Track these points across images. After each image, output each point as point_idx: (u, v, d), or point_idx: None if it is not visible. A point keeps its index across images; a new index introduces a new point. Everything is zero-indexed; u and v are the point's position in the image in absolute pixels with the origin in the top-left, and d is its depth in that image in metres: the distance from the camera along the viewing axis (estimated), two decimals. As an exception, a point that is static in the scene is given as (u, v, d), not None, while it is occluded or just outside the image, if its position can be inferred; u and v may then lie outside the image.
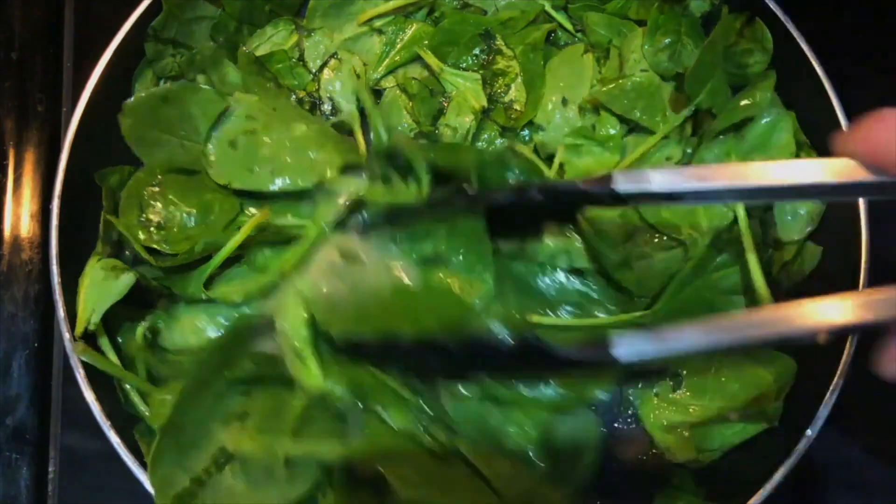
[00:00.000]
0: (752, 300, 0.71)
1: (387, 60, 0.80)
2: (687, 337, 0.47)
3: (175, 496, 0.62)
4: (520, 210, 0.62)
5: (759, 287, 0.69)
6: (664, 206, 0.72)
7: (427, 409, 0.67)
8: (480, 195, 0.64)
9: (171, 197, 0.72)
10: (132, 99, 0.73)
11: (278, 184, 0.72)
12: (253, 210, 0.73)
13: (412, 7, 0.82)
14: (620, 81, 0.76)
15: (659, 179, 0.50)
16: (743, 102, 0.74)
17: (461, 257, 0.68)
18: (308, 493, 0.66)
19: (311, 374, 0.65)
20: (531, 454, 0.68)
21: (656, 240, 0.74)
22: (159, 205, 0.71)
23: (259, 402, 0.67)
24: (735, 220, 0.70)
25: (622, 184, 0.51)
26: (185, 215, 0.71)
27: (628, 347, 0.48)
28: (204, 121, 0.74)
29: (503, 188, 0.67)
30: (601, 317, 0.70)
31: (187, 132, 0.75)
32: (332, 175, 0.72)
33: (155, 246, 0.69)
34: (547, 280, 0.72)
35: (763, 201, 0.71)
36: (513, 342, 0.56)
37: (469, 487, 0.66)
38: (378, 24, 0.81)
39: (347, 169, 0.73)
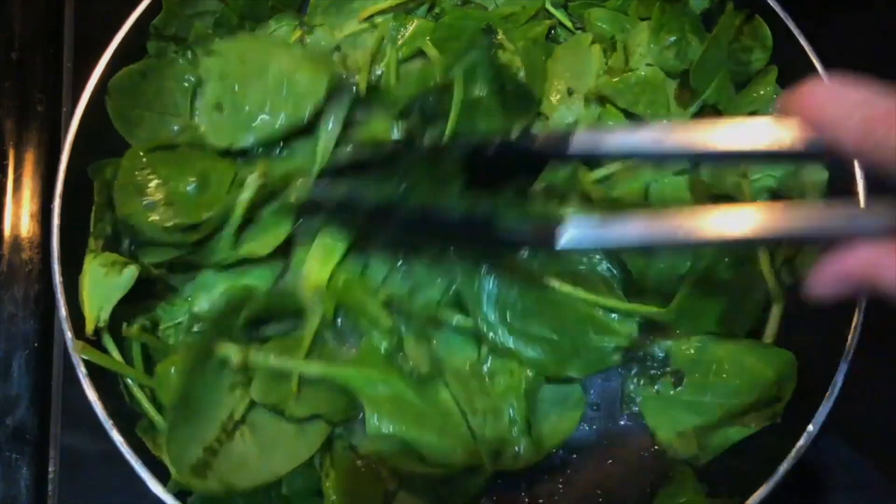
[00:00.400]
0: (764, 298, 0.71)
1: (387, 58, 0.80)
2: (631, 229, 0.48)
3: (191, 468, 0.63)
4: (484, 164, 0.61)
5: (770, 285, 0.70)
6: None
7: (410, 336, 0.69)
8: (441, 146, 0.63)
9: (165, 174, 0.72)
10: (115, 77, 0.73)
11: (280, 123, 0.72)
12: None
13: (412, 4, 0.82)
14: (625, 75, 0.76)
15: (613, 142, 0.50)
16: (748, 98, 0.74)
17: None
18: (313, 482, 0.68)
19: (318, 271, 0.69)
20: (512, 412, 0.69)
21: None
22: (157, 183, 0.71)
23: None
24: None
25: (578, 145, 0.51)
26: (186, 187, 0.72)
27: (572, 235, 0.49)
28: (180, 94, 0.75)
29: (462, 140, 0.66)
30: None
31: (165, 106, 0.76)
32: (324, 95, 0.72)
33: (170, 223, 0.69)
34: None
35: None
36: (461, 213, 0.56)
37: (444, 425, 0.67)
38: (379, 20, 0.82)
39: (337, 89, 0.74)
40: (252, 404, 0.66)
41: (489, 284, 0.69)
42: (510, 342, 0.69)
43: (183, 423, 0.64)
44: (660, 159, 0.51)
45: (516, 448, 0.68)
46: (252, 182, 0.70)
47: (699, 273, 0.69)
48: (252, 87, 0.73)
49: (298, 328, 0.71)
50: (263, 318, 0.70)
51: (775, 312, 0.71)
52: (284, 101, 0.73)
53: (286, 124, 0.72)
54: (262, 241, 0.71)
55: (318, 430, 0.67)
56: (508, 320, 0.69)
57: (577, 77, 0.79)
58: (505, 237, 0.55)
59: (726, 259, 0.70)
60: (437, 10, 0.83)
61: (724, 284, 0.71)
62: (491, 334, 0.69)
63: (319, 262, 0.70)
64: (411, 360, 0.68)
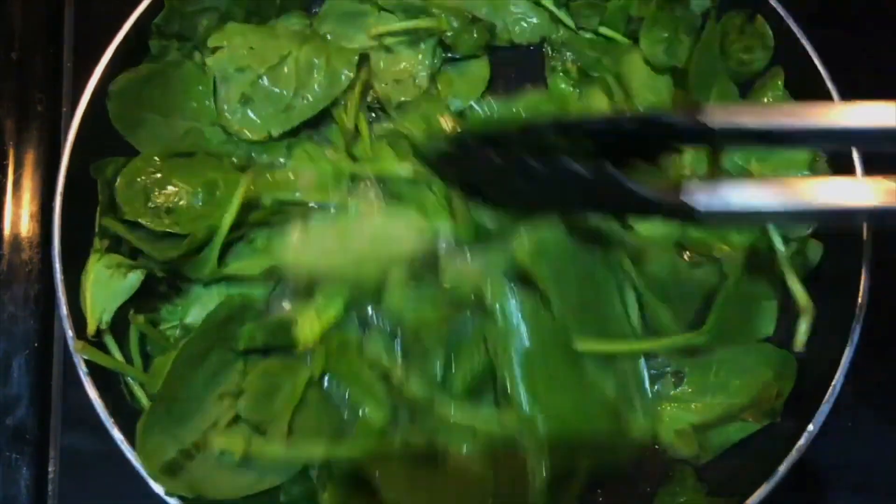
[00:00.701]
0: (790, 307, 0.71)
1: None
2: (762, 192, 0.48)
3: (163, 465, 0.62)
4: (608, 143, 0.58)
5: (798, 294, 0.69)
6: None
7: (406, 407, 0.67)
8: (570, 123, 0.60)
9: (174, 180, 0.72)
10: (116, 81, 0.73)
11: (318, 99, 0.75)
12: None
13: (423, 31, 0.80)
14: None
15: (752, 118, 0.49)
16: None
17: None
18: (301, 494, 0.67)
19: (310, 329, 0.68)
20: (538, 466, 0.66)
21: (686, 257, 0.74)
22: (165, 189, 0.71)
23: (256, 382, 0.67)
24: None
25: (713, 118, 0.49)
26: (191, 196, 0.72)
27: (706, 198, 0.49)
28: (187, 96, 0.76)
29: (591, 117, 0.64)
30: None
31: (170, 109, 0.76)
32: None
33: (167, 229, 0.69)
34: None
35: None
36: (593, 175, 0.55)
37: (459, 492, 0.65)
38: (388, 41, 0.80)
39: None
40: (237, 418, 0.65)
41: (522, 337, 0.67)
42: (526, 405, 0.65)
43: (164, 418, 0.63)
44: (787, 140, 0.51)
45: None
46: (238, 195, 0.70)
47: (729, 290, 0.68)
48: (280, 74, 0.75)
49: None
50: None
51: (805, 321, 0.70)
52: (316, 79, 0.75)
53: (327, 96, 0.75)
54: (253, 261, 0.71)
55: None
56: (533, 379, 0.66)
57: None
58: (639, 197, 0.53)
59: (749, 272, 0.70)
60: (448, 40, 0.80)
61: (747, 297, 0.71)
62: (512, 390, 0.66)
63: (314, 318, 0.68)
64: (414, 435, 0.66)
